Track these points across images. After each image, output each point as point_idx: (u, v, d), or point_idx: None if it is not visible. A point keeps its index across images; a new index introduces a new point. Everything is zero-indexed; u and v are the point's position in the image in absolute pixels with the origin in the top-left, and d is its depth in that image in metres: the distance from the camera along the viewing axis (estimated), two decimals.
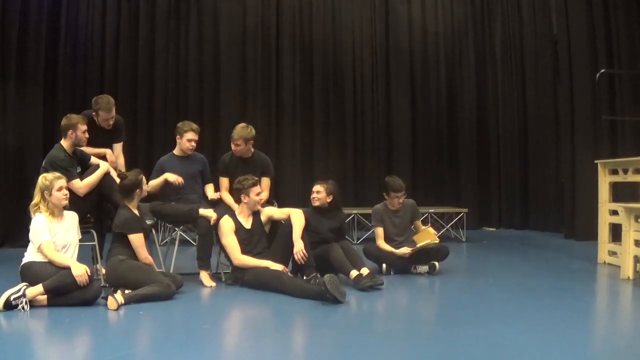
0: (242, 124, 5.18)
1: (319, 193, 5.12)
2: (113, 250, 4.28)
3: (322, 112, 9.41)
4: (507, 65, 9.84)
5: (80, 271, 3.80)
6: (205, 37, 9.03)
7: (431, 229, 5.37)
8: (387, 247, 5.33)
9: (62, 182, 4.16)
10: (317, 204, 5.12)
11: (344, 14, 9.57)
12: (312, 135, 9.34)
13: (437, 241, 5.29)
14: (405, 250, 5.23)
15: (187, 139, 5.05)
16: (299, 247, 4.51)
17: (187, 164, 5.09)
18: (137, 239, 4.27)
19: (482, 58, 9.88)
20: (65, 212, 4.20)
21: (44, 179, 4.12)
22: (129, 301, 3.88)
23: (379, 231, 5.43)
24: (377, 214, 5.48)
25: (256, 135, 5.21)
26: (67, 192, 4.20)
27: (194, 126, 5.11)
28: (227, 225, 4.70)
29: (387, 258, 5.32)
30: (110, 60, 8.62)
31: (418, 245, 5.21)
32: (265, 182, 5.18)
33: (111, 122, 5.08)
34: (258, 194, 4.78)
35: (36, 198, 4.10)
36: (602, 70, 7.13)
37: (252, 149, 5.23)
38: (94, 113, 5.04)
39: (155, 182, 4.92)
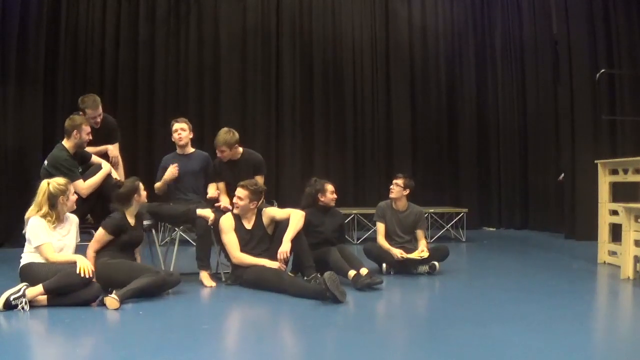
0: (225, 129, 5.12)
1: (333, 193, 5.18)
2: (99, 254, 4.26)
3: (322, 111, 9.40)
4: (507, 65, 9.84)
5: (85, 262, 3.81)
6: (205, 37, 9.03)
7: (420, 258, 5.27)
8: (386, 245, 5.33)
9: (71, 185, 4.16)
10: (332, 203, 5.18)
11: (344, 13, 9.57)
12: (312, 135, 9.33)
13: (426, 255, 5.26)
14: (400, 252, 5.22)
15: (173, 131, 5.11)
16: (284, 249, 4.53)
17: (188, 162, 5.10)
18: (98, 233, 4.24)
19: (482, 58, 9.88)
20: (67, 215, 4.17)
21: (57, 184, 4.02)
22: (124, 298, 3.86)
23: (380, 227, 5.45)
24: (379, 209, 5.52)
25: (239, 138, 5.13)
26: (84, 194, 4.22)
27: (179, 118, 5.17)
28: (227, 222, 4.70)
29: (387, 257, 5.32)
30: (110, 60, 8.61)
31: (410, 255, 5.22)
32: (259, 180, 5.15)
33: (98, 120, 5.09)
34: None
35: (44, 208, 3.97)
36: (602, 70, 7.13)
37: (241, 149, 5.20)
38: (80, 113, 5.03)
39: (158, 185, 4.96)
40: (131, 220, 4.40)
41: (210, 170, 5.21)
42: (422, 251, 5.24)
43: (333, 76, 9.49)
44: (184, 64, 8.95)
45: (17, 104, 7.06)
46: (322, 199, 5.13)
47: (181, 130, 5.07)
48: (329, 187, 5.17)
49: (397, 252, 5.21)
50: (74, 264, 3.83)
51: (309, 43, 9.39)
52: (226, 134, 5.05)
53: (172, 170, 4.91)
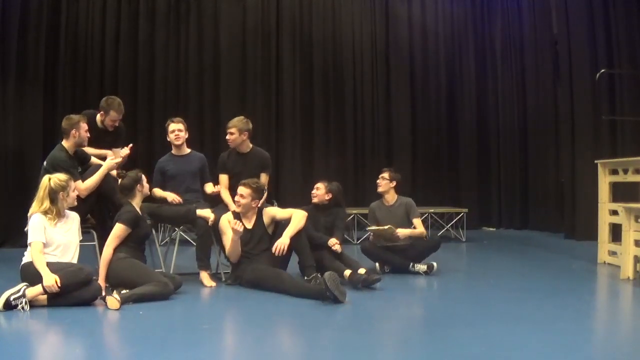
0: (241, 116, 5.22)
1: (318, 189, 5.22)
2: (116, 249, 4.26)
3: (322, 111, 9.40)
4: (507, 65, 9.84)
5: (49, 282, 3.71)
6: (205, 37, 9.02)
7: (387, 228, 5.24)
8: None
9: (72, 182, 4.16)
10: (315, 200, 5.20)
11: (344, 13, 9.56)
12: (312, 135, 9.33)
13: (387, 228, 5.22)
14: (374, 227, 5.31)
15: (170, 131, 5.10)
16: (282, 242, 4.52)
17: (185, 162, 5.10)
18: (117, 229, 4.21)
19: (482, 58, 9.88)
20: (68, 212, 4.18)
21: (58, 180, 4.03)
22: (125, 301, 3.86)
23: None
24: (370, 210, 5.59)
25: (252, 130, 5.21)
26: (83, 194, 4.21)
27: (175, 118, 5.18)
28: (225, 221, 4.70)
29: (382, 256, 5.33)
30: (110, 60, 8.61)
31: (374, 228, 5.30)
32: (264, 178, 5.17)
33: (117, 124, 5.14)
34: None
35: (45, 203, 3.98)
36: (602, 70, 7.13)
37: (251, 145, 5.23)
38: (101, 112, 5.07)
39: (159, 194, 4.92)
40: (139, 212, 4.42)
41: (207, 170, 5.22)
42: (396, 233, 5.20)
43: (333, 76, 9.48)
44: (184, 64, 8.94)
45: (17, 103, 7.06)
46: (312, 196, 5.22)
47: (178, 131, 5.08)
48: (315, 185, 5.27)
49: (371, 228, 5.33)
50: (74, 269, 3.84)
51: (309, 43, 9.38)
52: (240, 119, 5.16)
53: (174, 199, 4.85)
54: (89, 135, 4.73)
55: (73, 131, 4.60)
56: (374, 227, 5.33)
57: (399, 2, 9.71)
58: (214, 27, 9.06)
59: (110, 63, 8.61)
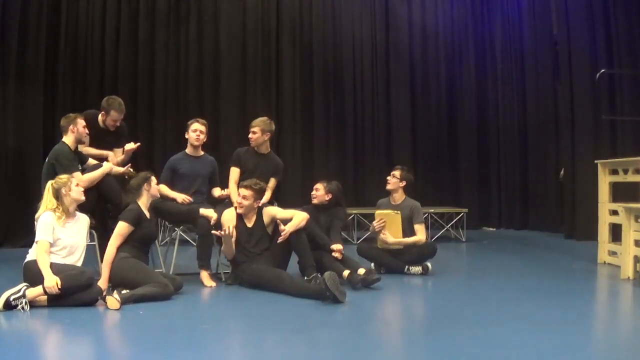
0: (264, 117, 5.32)
1: (318, 190, 5.22)
2: (119, 249, 4.27)
3: (322, 111, 9.40)
4: (507, 65, 9.84)
5: (50, 283, 3.72)
6: (205, 37, 9.03)
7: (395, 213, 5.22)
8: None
9: (75, 178, 4.18)
10: (315, 201, 5.21)
11: (344, 13, 9.57)
12: (312, 135, 9.34)
13: (394, 213, 5.20)
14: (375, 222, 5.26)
15: (192, 130, 5.13)
16: (286, 229, 4.54)
17: (199, 164, 5.13)
18: (120, 227, 4.24)
19: (482, 58, 9.88)
20: (78, 214, 4.20)
21: (59, 179, 4.11)
22: (126, 301, 3.86)
23: None
24: (378, 206, 5.56)
25: (274, 132, 5.30)
26: (82, 187, 4.22)
27: (200, 120, 5.22)
28: (227, 216, 4.71)
29: (378, 258, 5.32)
30: (110, 60, 8.61)
31: (378, 212, 5.28)
32: (272, 182, 5.21)
33: (118, 124, 5.15)
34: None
35: (50, 204, 4.03)
36: (602, 70, 7.13)
37: (270, 148, 5.32)
38: (102, 113, 5.09)
39: (166, 192, 4.91)
40: (146, 213, 4.42)
41: (217, 175, 5.26)
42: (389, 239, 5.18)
43: (333, 76, 9.49)
44: (184, 63, 8.95)
45: (17, 104, 7.07)
46: (312, 197, 5.24)
47: (200, 132, 5.12)
48: (315, 186, 5.27)
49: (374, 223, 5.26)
50: (77, 272, 3.85)
51: (309, 43, 9.38)
52: (264, 120, 5.26)
53: (184, 200, 4.87)
54: (87, 132, 4.75)
55: (71, 127, 4.65)
56: (380, 211, 5.28)
57: (399, 2, 9.71)
58: (214, 27, 9.06)
59: (110, 63, 8.60)
